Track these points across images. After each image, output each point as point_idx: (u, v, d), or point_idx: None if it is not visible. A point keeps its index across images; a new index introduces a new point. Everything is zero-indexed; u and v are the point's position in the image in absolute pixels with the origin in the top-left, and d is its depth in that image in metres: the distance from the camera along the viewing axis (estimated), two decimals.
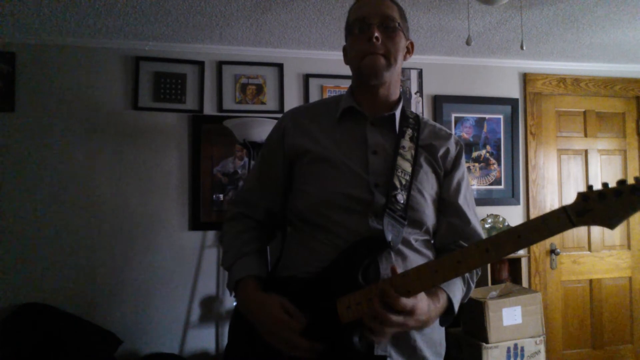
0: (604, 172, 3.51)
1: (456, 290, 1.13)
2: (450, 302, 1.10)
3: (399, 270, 1.02)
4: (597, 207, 0.88)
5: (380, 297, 0.97)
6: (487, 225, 3.23)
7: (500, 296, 2.72)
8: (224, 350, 1.29)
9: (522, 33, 2.73)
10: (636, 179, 0.84)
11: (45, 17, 2.53)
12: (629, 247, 3.52)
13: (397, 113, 1.21)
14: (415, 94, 3.27)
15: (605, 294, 3.45)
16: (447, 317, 1.13)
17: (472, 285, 1.21)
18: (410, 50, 1.25)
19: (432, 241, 1.22)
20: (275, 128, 1.29)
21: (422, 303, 1.01)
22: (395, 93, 1.23)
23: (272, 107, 3.08)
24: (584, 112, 3.53)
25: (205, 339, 2.92)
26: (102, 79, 2.89)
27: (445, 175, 1.22)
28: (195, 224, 2.94)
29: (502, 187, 3.38)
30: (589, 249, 3.47)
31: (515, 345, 2.61)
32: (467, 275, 1.18)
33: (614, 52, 3.23)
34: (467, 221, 1.21)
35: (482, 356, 2.54)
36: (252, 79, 3.08)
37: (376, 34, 1.14)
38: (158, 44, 2.94)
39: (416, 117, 1.26)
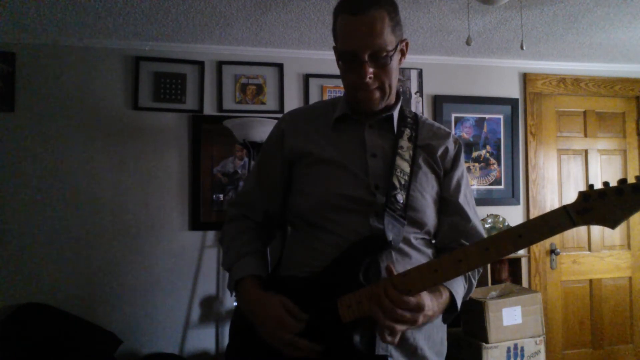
0: (604, 172, 3.51)
1: (457, 287, 1.13)
2: (452, 297, 1.10)
3: (400, 269, 1.02)
4: (597, 206, 0.88)
5: (384, 296, 0.97)
6: (487, 225, 3.23)
7: (500, 296, 2.72)
8: (225, 350, 1.29)
9: (522, 33, 2.73)
10: (637, 178, 0.84)
11: (45, 17, 2.53)
12: (629, 247, 3.52)
13: (395, 114, 1.21)
14: (415, 94, 3.27)
15: (605, 294, 3.45)
16: (450, 313, 1.12)
17: (474, 282, 1.21)
18: (404, 51, 1.17)
19: (433, 241, 1.22)
20: (274, 130, 1.29)
21: (426, 299, 1.01)
22: (392, 96, 1.21)
23: (272, 107, 3.08)
24: (584, 112, 3.53)
25: (205, 339, 2.91)
26: (102, 79, 2.89)
27: (445, 174, 1.22)
28: (195, 224, 2.94)
29: (502, 187, 3.38)
30: (589, 249, 3.46)
31: (515, 345, 2.61)
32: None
33: (614, 52, 3.23)
34: (467, 220, 1.21)
35: (482, 356, 2.54)
36: (252, 79, 3.08)
37: (369, 74, 1.08)
38: (158, 44, 2.93)
39: (415, 116, 1.26)
